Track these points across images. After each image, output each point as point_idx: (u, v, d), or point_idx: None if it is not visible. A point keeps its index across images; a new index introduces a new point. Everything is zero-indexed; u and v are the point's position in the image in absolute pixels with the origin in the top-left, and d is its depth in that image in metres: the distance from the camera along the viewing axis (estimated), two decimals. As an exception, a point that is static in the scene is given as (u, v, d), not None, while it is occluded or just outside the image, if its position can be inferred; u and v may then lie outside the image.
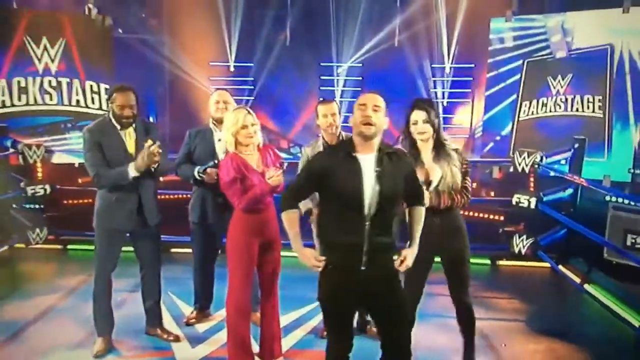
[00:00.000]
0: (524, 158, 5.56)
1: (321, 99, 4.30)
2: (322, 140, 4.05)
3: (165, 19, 9.51)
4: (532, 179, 6.29)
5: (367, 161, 2.66)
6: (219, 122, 4.09)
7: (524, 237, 5.86)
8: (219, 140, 4.09)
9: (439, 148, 3.35)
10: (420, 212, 2.95)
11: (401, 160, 2.76)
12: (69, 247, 6.45)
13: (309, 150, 4.04)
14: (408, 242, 2.93)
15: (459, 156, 3.37)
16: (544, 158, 5.66)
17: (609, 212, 5.91)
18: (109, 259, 3.80)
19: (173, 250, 6.12)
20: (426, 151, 3.38)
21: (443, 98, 9.83)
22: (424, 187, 3.30)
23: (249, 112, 3.45)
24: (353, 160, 2.66)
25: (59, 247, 6.45)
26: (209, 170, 3.99)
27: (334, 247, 2.72)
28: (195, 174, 4.04)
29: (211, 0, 9.39)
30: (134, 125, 3.74)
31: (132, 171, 3.59)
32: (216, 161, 3.99)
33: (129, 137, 3.73)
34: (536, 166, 5.63)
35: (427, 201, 3.24)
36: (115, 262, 3.83)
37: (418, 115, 3.31)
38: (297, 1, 9.64)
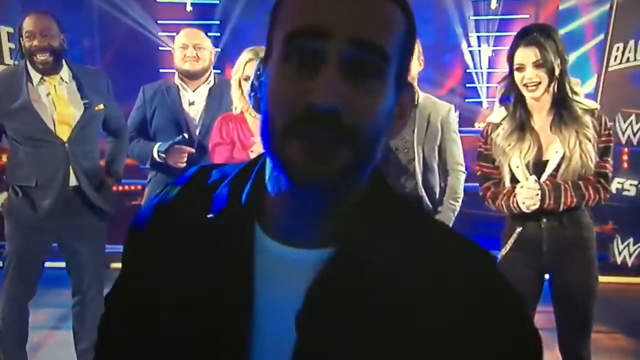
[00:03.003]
0: (631, 123, 5.22)
1: None
2: None
3: None
4: (625, 156, 5.98)
5: (294, 272, 0.96)
6: (189, 76, 3.84)
7: (631, 240, 5.53)
8: (191, 103, 3.82)
9: (562, 108, 2.93)
10: None
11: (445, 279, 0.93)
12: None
13: None
14: None
15: (595, 121, 2.93)
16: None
17: None
18: (25, 279, 3.48)
19: (114, 265, 5.66)
20: (540, 113, 2.98)
21: (488, 45, 9.48)
22: (533, 174, 2.92)
23: (258, 56, 3.29)
24: (239, 257, 0.97)
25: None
26: (175, 147, 3.69)
27: None
28: (155, 153, 3.74)
29: None
30: (63, 74, 3.42)
31: None
32: (186, 135, 3.72)
33: (55, 93, 3.38)
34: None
35: (536, 199, 2.87)
36: (33, 284, 3.53)
37: (524, 55, 2.90)
38: None
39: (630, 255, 5.57)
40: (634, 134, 5.29)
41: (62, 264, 3.63)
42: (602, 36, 7.20)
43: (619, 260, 5.60)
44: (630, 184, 5.43)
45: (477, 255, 0.98)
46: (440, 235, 1.00)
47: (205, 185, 1.03)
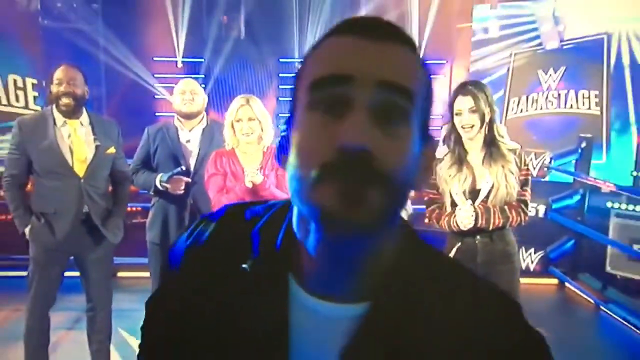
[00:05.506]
0: (531, 160, 5.15)
1: None
2: None
3: (102, 8, 8.75)
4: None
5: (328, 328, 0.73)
6: (186, 117, 3.59)
7: (532, 250, 5.44)
8: (188, 141, 3.59)
9: (491, 147, 2.81)
10: None
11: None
12: (-10, 274, 5.65)
13: None
14: None
15: (517, 158, 2.84)
16: (552, 160, 5.28)
17: (612, 221, 5.59)
18: (47, 290, 3.17)
19: (120, 274, 5.43)
20: (475, 150, 2.85)
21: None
22: (469, 199, 2.78)
23: (248, 102, 3.02)
24: (274, 311, 0.74)
25: (-24, 274, 5.65)
26: (175, 177, 3.45)
27: None
28: (157, 183, 3.49)
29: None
30: (83, 120, 3.17)
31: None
32: (183, 167, 3.48)
33: (75, 135, 3.12)
34: (545, 169, 5.23)
35: (471, 220, 2.73)
36: (54, 293, 3.22)
37: (462, 103, 2.77)
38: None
39: (532, 261, 5.48)
40: (534, 168, 5.21)
41: (78, 273, 3.34)
42: (502, 92, 7.21)
43: (523, 266, 5.47)
44: (531, 207, 5.34)
45: (509, 309, 0.76)
46: (474, 287, 0.77)
47: (236, 229, 0.80)
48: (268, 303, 0.73)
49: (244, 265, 0.75)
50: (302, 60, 0.75)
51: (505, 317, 0.74)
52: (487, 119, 2.78)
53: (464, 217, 2.77)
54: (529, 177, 2.88)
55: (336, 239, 0.68)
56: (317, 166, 0.65)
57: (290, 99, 0.76)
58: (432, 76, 0.74)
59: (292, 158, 0.70)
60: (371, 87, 0.65)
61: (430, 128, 0.74)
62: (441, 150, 2.96)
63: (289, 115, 0.76)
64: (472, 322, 0.71)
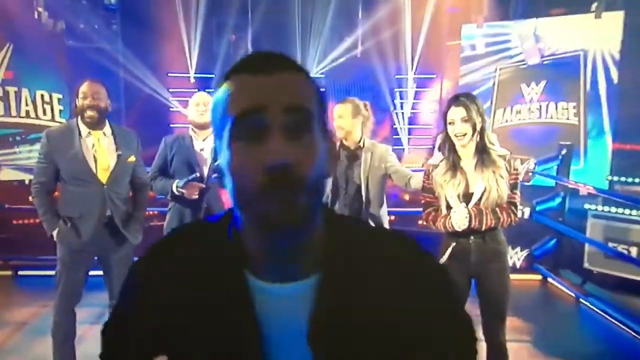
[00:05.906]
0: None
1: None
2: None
3: (121, 28, 8.73)
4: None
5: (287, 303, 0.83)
6: (200, 127, 3.53)
7: (518, 248, 5.39)
8: (202, 149, 3.51)
9: (483, 153, 2.74)
10: None
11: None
12: (20, 272, 5.56)
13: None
14: None
15: (506, 164, 2.76)
16: (536, 166, 5.23)
17: (589, 221, 5.54)
18: (73, 287, 3.12)
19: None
20: (467, 157, 2.77)
21: (407, 109, 9.36)
22: (463, 202, 2.73)
23: None
24: (241, 300, 0.82)
25: (7, 273, 5.56)
26: (190, 183, 3.39)
27: None
28: (174, 188, 3.42)
29: (171, 10, 8.66)
30: (106, 131, 3.13)
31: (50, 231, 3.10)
32: (198, 174, 3.41)
33: (98, 145, 3.07)
34: (530, 174, 5.17)
35: (465, 221, 2.68)
36: (80, 291, 3.16)
37: (455, 113, 2.70)
38: (258, 11, 9.03)
39: (519, 259, 5.41)
40: (520, 174, 5.15)
41: (100, 272, 3.29)
42: (488, 104, 7.18)
43: (510, 263, 5.39)
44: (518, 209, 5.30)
45: (414, 250, 0.90)
46: (391, 242, 0.90)
47: (190, 242, 0.89)
48: (233, 298, 0.82)
49: (204, 271, 0.85)
50: (216, 99, 0.82)
51: (411, 256, 0.88)
52: (478, 128, 2.72)
53: (459, 219, 2.72)
54: (518, 181, 2.82)
55: (279, 238, 0.79)
56: (255, 188, 0.75)
57: (215, 134, 0.84)
58: (322, 89, 0.85)
59: (230, 181, 0.79)
60: (281, 112, 0.76)
61: (326, 126, 0.85)
62: (436, 157, 2.91)
63: (215, 147, 0.86)
64: (393, 268, 0.85)
